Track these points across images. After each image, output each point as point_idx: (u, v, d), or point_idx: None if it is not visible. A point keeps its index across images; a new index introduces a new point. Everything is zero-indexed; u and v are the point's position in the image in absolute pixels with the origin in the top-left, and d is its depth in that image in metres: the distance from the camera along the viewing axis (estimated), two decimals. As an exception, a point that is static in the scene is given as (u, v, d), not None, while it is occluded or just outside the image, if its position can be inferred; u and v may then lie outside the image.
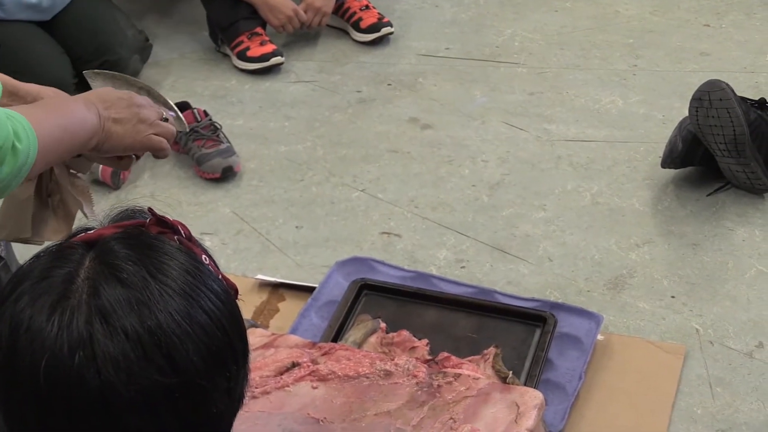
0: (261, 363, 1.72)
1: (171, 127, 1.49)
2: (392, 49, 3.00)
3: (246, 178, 2.45)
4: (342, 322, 1.90)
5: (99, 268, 0.92)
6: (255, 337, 1.79)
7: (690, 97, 2.27)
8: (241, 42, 2.90)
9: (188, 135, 2.47)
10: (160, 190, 2.42)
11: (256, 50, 2.88)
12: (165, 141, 1.47)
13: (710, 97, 2.23)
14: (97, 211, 1.05)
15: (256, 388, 1.66)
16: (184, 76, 2.89)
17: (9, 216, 1.46)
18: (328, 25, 3.08)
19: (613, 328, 1.96)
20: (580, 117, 2.65)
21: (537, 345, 1.86)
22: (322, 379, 1.69)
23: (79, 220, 1.12)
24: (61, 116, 1.32)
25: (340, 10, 3.05)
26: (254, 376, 1.68)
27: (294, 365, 1.72)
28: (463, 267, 2.14)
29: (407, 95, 2.78)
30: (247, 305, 2.00)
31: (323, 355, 1.74)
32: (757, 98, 2.34)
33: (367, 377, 1.70)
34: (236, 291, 1.01)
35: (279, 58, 2.88)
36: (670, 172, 2.38)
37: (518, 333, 1.90)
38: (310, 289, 2.03)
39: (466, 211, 2.31)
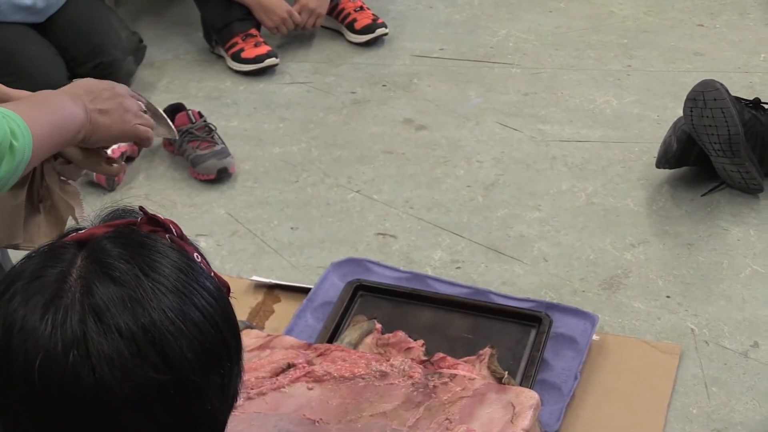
0: (256, 364, 1.72)
1: (150, 119, 1.51)
2: (387, 50, 3.00)
3: (241, 179, 2.45)
4: (337, 323, 1.91)
5: (91, 266, 0.92)
6: (250, 338, 1.79)
7: (684, 97, 2.27)
8: (236, 43, 2.90)
9: (183, 136, 2.47)
10: (155, 192, 2.42)
11: (250, 51, 2.88)
12: (150, 130, 1.49)
13: (705, 97, 2.23)
14: (88, 212, 1.05)
15: (252, 389, 1.66)
16: (179, 77, 2.89)
17: (0, 222, 1.46)
18: (322, 26, 3.08)
19: (608, 328, 1.96)
20: (575, 117, 2.65)
21: (532, 345, 1.86)
22: (318, 380, 1.69)
23: (70, 225, 1.13)
24: (51, 112, 1.33)
25: (334, 11, 3.05)
26: (250, 377, 1.68)
27: (289, 366, 1.72)
28: (458, 267, 2.14)
29: (402, 96, 2.78)
30: (243, 306, 2.00)
31: (319, 356, 1.75)
32: (751, 98, 2.34)
33: (363, 378, 1.70)
34: (228, 288, 1.01)
35: (273, 59, 2.88)
36: (665, 172, 2.38)
37: (513, 333, 1.90)
38: (305, 290, 2.03)
39: (461, 212, 2.31)
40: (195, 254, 0.99)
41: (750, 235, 2.22)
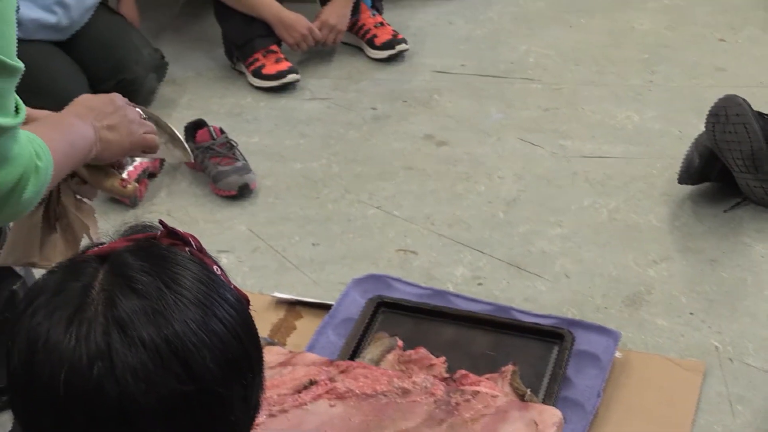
0: (278, 381, 1.72)
1: (151, 124, 1.53)
2: (407, 65, 3.01)
3: (262, 195, 2.46)
4: (359, 340, 1.90)
5: (114, 279, 0.93)
6: (272, 354, 1.79)
7: (706, 113, 2.26)
8: (257, 59, 2.91)
9: (204, 152, 2.48)
10: (177, 208, 2.43)
11: (271, 68, 2.89)
12: (155, 137, 1.52)
13: (727, 113, 2.22)
14: (109, 228, 1.06)
15: (274, 406, 1.66)
16: (200, 94, 2.91)
17: (17, 241, 1.48)
18: (342, 42, 3.09)
19: (631, 345, 1.95)
20: (596, 133, 2.65)
21: (555, 362, 1.85)
22: (340, 397, 1.69)
23: (84, 243, 1.14)
24: (65, 133, 1.36)
25: (354, 27, 3.06)
26: (272, 393, 1.68)
27: (311, 383, 1.72)
28: (479, 284, 2.14)
29: (422, 112, 2.78)
30: (264, 323, 2.00)
31: (341, 372, 1.74)
32: (774, 113, 2.33)
33: (385, 395, 1.70)
34: (248, 301, 1.02)
35: (294, 75, 2.89)
36: (687, 188, 2.37)
37: (536, 350, 1.89)
38: (326, 307, 2.03)
39: (483, 228, 2.31)
40: (214, 267, 1.00)
41: (774, 251, 2.21)
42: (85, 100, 1.47)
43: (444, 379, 1.75)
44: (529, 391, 1.74)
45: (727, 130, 2.23)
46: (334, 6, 2.98)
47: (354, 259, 2.22)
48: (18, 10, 1.15)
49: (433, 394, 1.70)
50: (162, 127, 1.58)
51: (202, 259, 0.99)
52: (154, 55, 2.83)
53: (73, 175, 1.46)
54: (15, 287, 1.80)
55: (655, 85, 2.86)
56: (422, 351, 1.84)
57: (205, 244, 1.04)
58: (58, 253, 1.47)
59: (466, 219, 2.34)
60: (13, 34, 1.11)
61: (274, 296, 2.08)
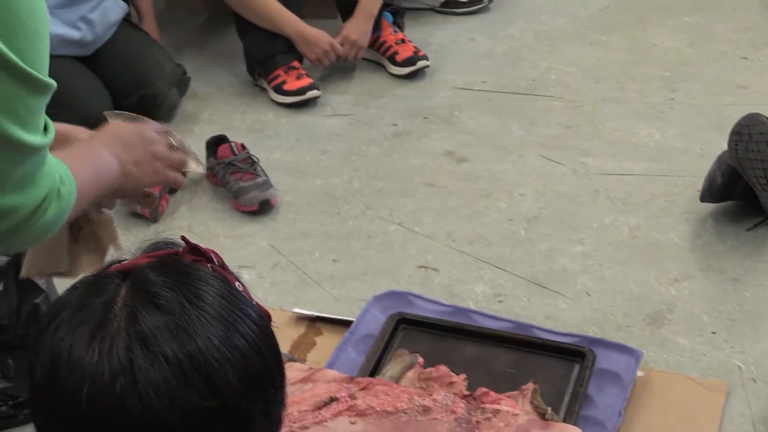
0: (299, 397, 1.71)
1: (181, 156, 1.53)
2: (428, 82, 3.01)
3: (283, 211, 2.46)
4: (379, 357, 1.90)
5: (136, 295, 0.93)
6: (292, 371, 1.79)
7: (728, 131, 2.25)
8: (278, 75, 2.92)
9: (225, 168, 2.49)
10: (198, 223, 2.43)
11: (292, 84, 2.90)
12: (179, 175, 1.54)
13: (750, 131, 2.21)
14: (130, 244, 1.07)
15: (294, 422, 1.66)
16: (221, 109, 2.92)
17: (42, 252, 1.48)
18: (363, 59, 3.10)
19: (653, 364, 1.94)
20: (617, 150, 2.64)
21: (576, 381, 1.84)
22: (361, 414, 1.69)
23: (111, 255, 1.14)
24: (90, 162, 1.36)
25: (375, 43, 3.06)
26: (292, 410, 1.68)
27: (332, 400, 1.71)
28: (500, 301, 2.13)
29: (443, 128, 2.78)
30: (284, 339, 2.00)
31: (361, 389, 1.74)
32: (797, 132, 2.32)
33: (406, 413, 1.69)
34: (269, 317, 1.02)
35: (315, 91, 2.90)
36: (709, 207, 2.36)
37: (557, 368, 1.88)
38: (347, 323, 2.03)
39: (504, 245, 2.30)
40: (236, 283, 1.01)
41: (797, 270, 2.19)
42: (116, 130, 1.46)
43: (465, 397, 1.74)
44: (549, 409, 1.73)
45: (750, 149, 2.21)
46: (356, 21, 2.99)
47: (374, 275, 2.22)
48: None
49: (453, 412, 1.69)
50: (177, 142, 1.59)
51: (224, 275, 1.00)
52: (176, 70, 2.85)
53: None
54: (37, 301, 1.81)
55: (676, 102, 2.85)
56: (443, 368, 1.83)
57: (226, 260, 1.04)
58: (85, 262, 1.48)
59: (486, 236, 2.34)
60: (46, 50, 1.10)
61: (294, 312, 2.08)
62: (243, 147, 2.55)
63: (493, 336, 1.96)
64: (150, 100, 2.69)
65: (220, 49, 3.25)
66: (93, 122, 1.52)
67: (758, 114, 2.24)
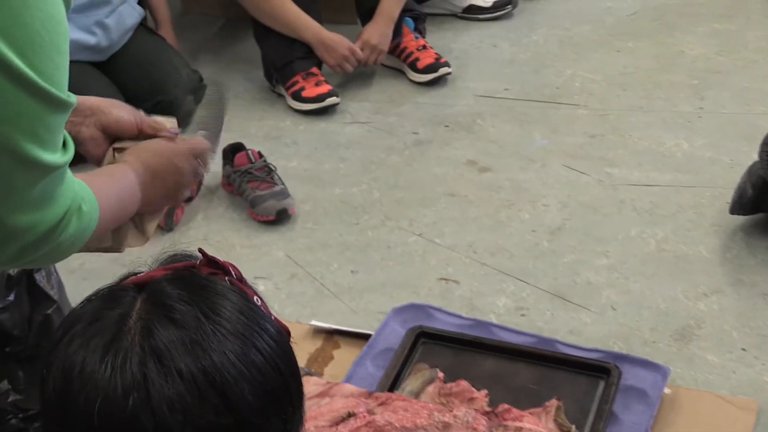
0: (316, 412, 1.71)
1: (203, 173, 1.53)
2: (450, 89, 3.00)
3: (300, 221, 2.46)
4: (398, 371, 1.89)
5: (151, 308, 0.93)
6: (310, 385, 1.79)
7: (759, 141, 2.24)
8: (296, 82, 2.92)
9: (242, 176, 2.49)
10: (214, 233, 2.43)
11: (311, 90, 2.90)
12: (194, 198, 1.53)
13: (781, 141, 2.19)
14: (146, 256, 1.06)
15: (311, 438, 1.65)
16: (238, 116, 2.92)
17: None
18: (384, 65, 3.09)
19: (680, 381, 1.93)
20: (644, 160, 2.63)
21: (601, 398, 1.83)
22: (379, 429, 1.68)
23: (132, 263, 1.13)
24: (116, 186, 1.34)
25: (396, 49, 3.06)
26: (309, 425, 1.67)
27: (350, 415, 1.71)
28: (523, 315, 2.12)
29: (465, 137, 2.78)
30: (302, 352, 1.99)
31: (380, 405, 1.73)
32: (830, 142, 2.30)
33: (425, 429, 1.68)
34: (288, 333, 1.01)
35: (334, 98, 2.90)
36: (739, 219, 2.34)
37: (581, 385, 1.87)
38: (365, 337, 2.02)
39: (526, 257, 2.29)
40: (255, 297, 1.00)
41: (829, 285, 2.17)
42: (148, 155, 1.43)
43: (486, 414, 1.73)
44: (573, 427, 1.72)
45: (782, 159, 2.20)
46: (376, 26, 2.98)
47: (394, 287, 2.21)
48: None
49: (474, 429, 1.68)
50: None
51: (242, 288, 0.99)
52: (193, 76, 2.85)
53: None
54: (49, 312, 1.81)
55: (705, 111, 2.83)
56: (463, 384, 1.82)
57: (242, 270, 1.04)
58: (127, 238, 1.47)
59: (509, 247, 2.33)
60: (66, 65, 1.07)
61: (311, 325, 2.08)
62: (260, 155, 2.55)
63: (515, 351, 1.95)
64: (165, 107, 2.69)
65: (236, 55, 3.26)
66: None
67: (790, 124, 2.22)
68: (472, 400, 1.80)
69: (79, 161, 1.30)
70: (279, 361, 0.96)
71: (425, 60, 3.02)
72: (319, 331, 2.07)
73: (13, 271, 1.77)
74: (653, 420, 1.81)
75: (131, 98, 2.71)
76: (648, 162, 2.62)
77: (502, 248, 2.33)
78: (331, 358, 2.01)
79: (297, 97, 2.91)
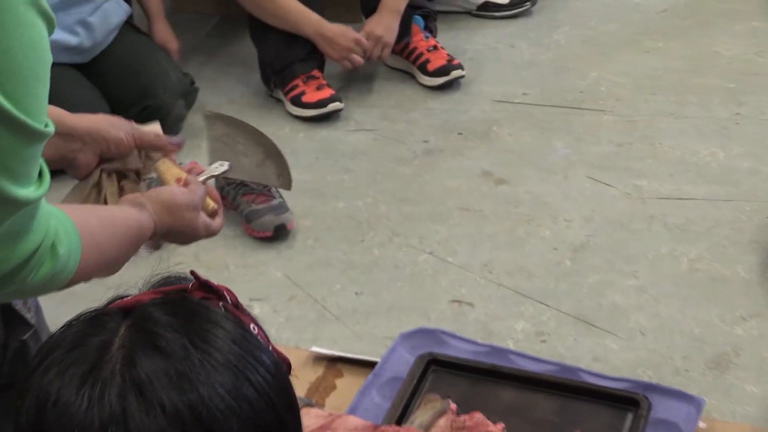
0: (316, 447, 1.71)
1: (217, 225, 1.59)
2: (463, 94, 3.02)
3: (300, 237, 2.46)
4: (407, 402, 1.89)
5: (135, 335, 0.93)
6: (310, 417, 1.79)
7: (802, 151, 2.25)
8: (296, 86, 2.93)
9: (237, 189, 2.50)
10: (205, 251, 2.44)
11: (312, 95, 2.91)
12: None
13: (826, 151, 2.20)
14: (136, 277, 1.06)
15: (311, 476, 1.65)
16: (233, 123, 2.93)
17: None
18: (391, 67, 3.10)
19: (716, 414, 1.93)
20: (676, 171, 2.63)
21: (629, 432, 1.83)
22: (385, 466, 1.68)
23: (118, 285, 1.13)
24: (117, 236, 1.34)
25: (405, 50, 3.07)
26: (309, 462, 1.67)
27: (353, 450, 1.70)
28: (543, 341, 2.12)
29: (480, 146, 2.78)
30: (301, 381, 2.00)
31: (386, 439, 1.73)
32: None
33: (436, 466, 1.68)
34: (289, 365, 1.01)
35: (337, 103, 2.91)
36: (780, 235, 2.35)
37: (606, 417, 1.87)
38: (371, 364, 2.03)
39: (547, 278, 2.30)
40: (252, 325, 1.00)
41: None
42: (161, 212, 1.46)
43: (503, 449, 1.73)
44: (599, 464, 1.72)
45: (826, 171, 2.20)
46: (380, 17, 2.98)
47: (402, 310, 2.22)
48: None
49: (490, 466, 1.68)
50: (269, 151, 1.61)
51: (237, 315, 0.99)
52: (183, 79, 2.86)
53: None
54: (25, 338, 1.81)
55: (743, 117, 2.84)
56: (478, 416, 1.82)
57: (237, 292, 1.04)
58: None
59: (528, 267, 2.33)
60: (44, 93, 1.07)
61: (312, 351, 2.08)
62: (256, 165, 2.56)
63: (535, 380, 1.95)
64: (154, 113, 2.71)
65: (231, 56, 3.27)
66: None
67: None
68: (487, 434, 1.80)
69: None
70: (274, 395, 0.95)
71: (436, 62, 3.03)
72: (320, 358, 2.08)
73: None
74: (686, 456, 1.81)
75: (116, 103, 2.73)
76: (680, 173, 2.62)
77: (521, 268, 2.33)
78: (334, 387, 2.02)
79: (297, 102, 2.93)
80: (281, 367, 0.99)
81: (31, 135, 1.05)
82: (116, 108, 2.72)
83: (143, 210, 1.42)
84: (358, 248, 2.43)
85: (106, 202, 1.52)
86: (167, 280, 1.04)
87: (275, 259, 2.40)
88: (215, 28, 3.47)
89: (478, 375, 1.97)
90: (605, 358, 2.07)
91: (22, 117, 1.02)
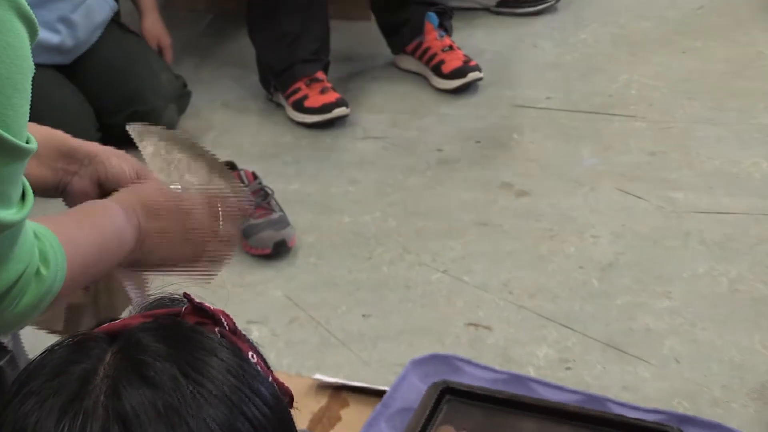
0: (319, 485, 1.71)
1: (231, 230, 1.51)
2: (481, 98, 3.02)
3: (302, 254, 2.47)
4: (419, 435, 1.90)
5: (121, 364, 0.93)
6: (312, 452, 1.79)
7: None
8: (298, 89, 2.94)
9: (233, 202, 2.50)
10: (198, 269, 2.44)
11: (315, 99, 2.92)
12: (226, 249, 1.52)
13: None
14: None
15: None
16: (229, 130, 2.94)
17: None
18: (402, 69, 3.11)
19: (758, 449, 1.93)
20: (714, 183, 2.63)
21: (662, 468, 1.83)
22: (394, 506, 1.68)
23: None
24: (97, 232, 1.33)
25: (417, 50, 3.08)
26: (310, 500, 1.67)
27: (359, 488, 1.71)
28: (568, 368, 2.13)
29: (499, 155, 2.79)
30: (303, 411, 2.00)
31: (395, 476, 1.73)
32: None
33: (450, 505, 1.69)
34: (291, 397, 1.01)
35: (343, 109, 2.92)
36: (829, 253, 2.35)
37: (638, 452, 1.87)
38: (379, 393, 2.03)
39: (572, 299, 2.30)
40: (250, 353, 1.00)
41: None
42: (150, 196, 1.42)
43: (523, 487, 1.73)
44: (629, 503, 1.72)
45: None
46: None
47: (413, 334, 2.22)
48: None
49: (509, 506, 1.68)
50: (222, 174, 1.58)
51: (234, 342, 0.99)
52: (175, 82, 2.87)
53: None
54: (1, 364, 1.82)
55: (787, 124, 2.84)
56: (496, 450, 1.83)
57: (233, 314, 1.04)
58: (86, 322, 1.48)
59: (551, 287, 2.34)
60: (25, 106, 1.05)
61: (315, 379, 2.09)
62: (254, 176, 2.57)
63: (559, 411, 1.95)
64: (142, 118, 2.71)
65: (227, 57, 3.28)
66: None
67: None
68: (506, 470, 1.80)
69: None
70: (272, 430, 0.95)
71: (452, 63, 3.04)
72: (324, 387, 2.08)
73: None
74: (725, 495, 1.81)
75: (101, 108, 2.74)
76: (719, 185, 2.63)
77: (543, 288, 2.34)
78: (339, 418, 2.02)
79: (299, 107, 2.93)
80: (281, 399, 0.99)
81: (9, 151, 1.03)
82: (102, 114, 2.73)
83: (122, 207, 1.40)
84: (365, 266, 2.43)
85: None
86: (159, 303, 1.04)
87: (275, 278, 2.41)
88: (209, 26, 3.48)
89: (497, 405, 1.97)
90: (636, 387, 2.07)
91: (3, 133, 1.01)
